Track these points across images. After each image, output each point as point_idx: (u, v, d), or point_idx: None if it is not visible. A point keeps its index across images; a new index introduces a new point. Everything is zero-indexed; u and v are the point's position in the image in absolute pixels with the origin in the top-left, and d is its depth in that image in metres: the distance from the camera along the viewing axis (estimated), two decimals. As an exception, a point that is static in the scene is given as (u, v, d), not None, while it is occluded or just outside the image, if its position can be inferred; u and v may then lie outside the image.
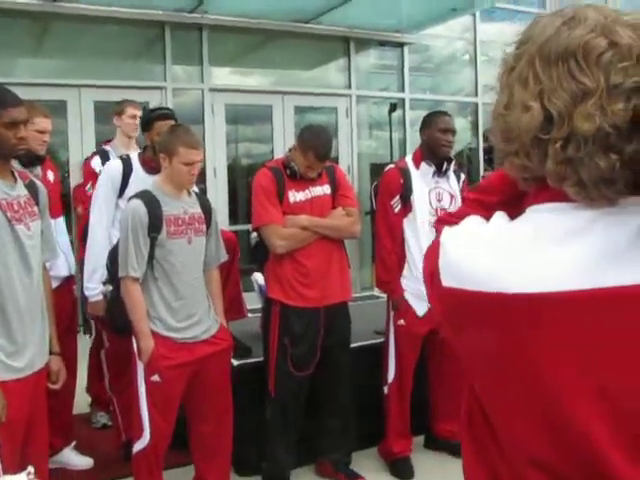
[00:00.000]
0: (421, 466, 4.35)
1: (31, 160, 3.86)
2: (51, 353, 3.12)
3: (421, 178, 4.21)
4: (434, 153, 4.21)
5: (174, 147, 3.47)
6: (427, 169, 4.21)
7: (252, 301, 4.78)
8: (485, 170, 9.92)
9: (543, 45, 1.02)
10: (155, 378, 3.43)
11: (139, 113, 5.08)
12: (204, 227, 3.66)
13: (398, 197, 4.15)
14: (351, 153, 9.15)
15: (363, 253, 8.72)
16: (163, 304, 3.49)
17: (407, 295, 4.17)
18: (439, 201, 4.24)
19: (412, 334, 4.20)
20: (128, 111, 5.17)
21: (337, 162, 7.99)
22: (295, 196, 3.96)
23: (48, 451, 3.30)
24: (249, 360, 4.31)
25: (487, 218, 1.13)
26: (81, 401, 4.80)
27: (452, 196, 4.29)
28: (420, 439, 4.61)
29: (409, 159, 4.32)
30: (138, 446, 3.51)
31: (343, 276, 4.12)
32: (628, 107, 0.94)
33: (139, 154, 4.28)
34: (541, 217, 1.05)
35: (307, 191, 4.00)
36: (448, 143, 4.20)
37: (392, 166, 4.35)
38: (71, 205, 6.25)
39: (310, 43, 8.93)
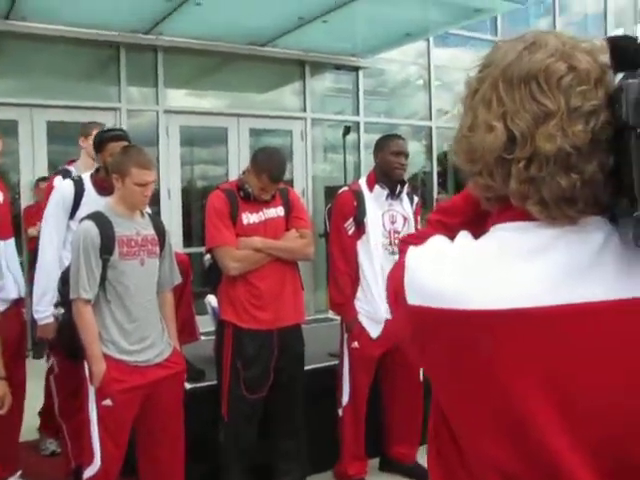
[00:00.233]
0: (376, 489, 4.34)
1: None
2: (-3, 377, 3.05)
3: (374, 201, 4.23)
4: (387, 176, 4.24)
5: (127, 168, 3.44)
6: (380, 192, 4.24)
7: (205, 324, 4.74)
8: (439, 193, 10.04)
9: (506, 68, 1.06)
10: (107, 402, 3.37)
11: None
12: (157, 249, 3.63)
13: (352, 219, 4.17)
14: (306, 176, 9.18)
15: (317, 275, 8.72)
16: (116, 326, 3.44)
17: (361, 317, 4.18)
18: (392, 223, 4.27)
19: (366, 356, 4.20)
20: (94, 134, 5.12)
21: (292, 185, 8.02)
22: (248, 218, 3.95)
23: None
24: (202, 384, 4.27)
25: (451, 238, 1.15)
26: (30, 428, 4.69)
27: (405, 218, 4.32)
28: (375, 462, 4.59)
29: (363, 182, 4.34)
30: (88, 472, 3.43)
31: (297, 298, 4.11)
32: (587, 129, 0.98)
33: (91, 175, 4.22)
34: (505, 235, 1.07)
35: (261, 213, 3.99)
36: (401, 166, 4.24)
37: (346, 188, 4.37)
38: (21, 226, 6.15)
39: (266, 66, 8.97)
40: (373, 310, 4.16)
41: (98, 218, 3.44)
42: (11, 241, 4.22)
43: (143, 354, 3.48)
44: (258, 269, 3.92)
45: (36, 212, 5.18)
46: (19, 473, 4.22)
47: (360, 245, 4.20)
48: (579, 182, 0.99)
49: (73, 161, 5.27)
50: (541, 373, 0.99)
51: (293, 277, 4.10)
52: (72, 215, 4.07)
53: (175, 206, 8.28)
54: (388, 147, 4.25)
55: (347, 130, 9.26)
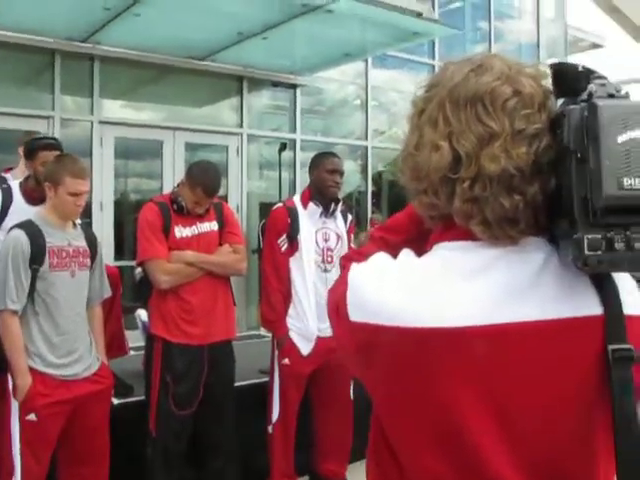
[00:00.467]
0: (304, 506, 4.33)
1: None
2: None
3: (308, 218, 4.24)
4: (322, 193, 4.26)
5: (60, 176, 3.39)
6: (314, 209, 4.25)
7: (135, 339, 4.67)
8: (373, 212, 10.12)
9: (453, 89, 1.08)
10: (31, 417, 3.29)
11: None
12: (88, 261, 3.57)
13: (285, 236, 4.17)
14: (241, 192, 9.13)
15: (249, 292, 8.67)
16: (43, 339, 3.37)
17: (292, 334, 4.18)
18: (326, 241, 4.28)
19: (296, 373, 4.20)
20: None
21: (226, 200, 7.97)
22: (181, 231, 3.92)
23: None
24: (130, 399, 4.21)
25: (393, 256, 1.16)
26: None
27: (339, 236, 4.35)
28: (305, 479, 4.58)
29: (297, 199, 4.35)
30: (7, 490, 3.34)
31: (228, 314, 4.09)
32: (530, 151, 1.01)
33: (20, 183, 4.14)
34: (448, 254, 1.09)
35: (194, 227, 3.97)
36: (335, 184, 4.26)
37: (280, 205, 4.37)
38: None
39: (203, 80, 8.92)
40: (304, 327, 4.17)
41: (28, 227, 3.37)
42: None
43: (70, 368, 3.42)
44: (190, 283, 3.89)
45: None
46: None
47: (293, 262, 4.21)
48: (522, 203, 1.01)
49: (10, 169, 5.16)
50: (480, 392, 1.01)
51: (225, 292, 4.08)
52: (-1, 224, 3.97)
53: (107, 218, 8.14)
54: (323, 165, 4.27)
55: (283, 147, 9.25)
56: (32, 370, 3.32)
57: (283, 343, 4.18)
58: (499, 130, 1.02)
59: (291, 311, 4.22)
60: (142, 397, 4.06)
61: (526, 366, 1.03)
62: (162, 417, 3.87)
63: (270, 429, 4.27)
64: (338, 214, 4.40)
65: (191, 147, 8.83)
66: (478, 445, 1.01)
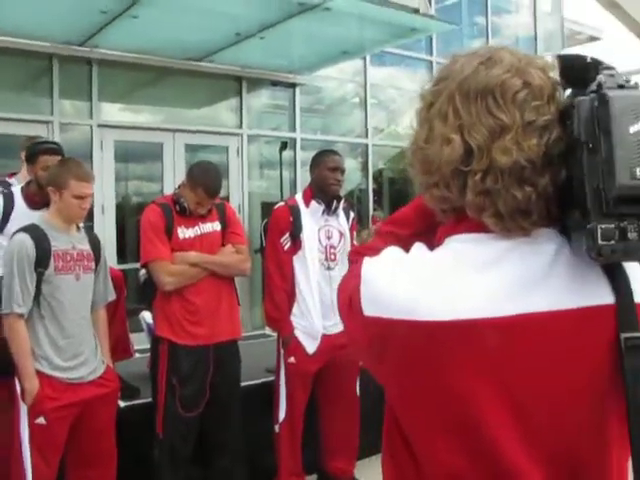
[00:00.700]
0: (313, 504, 4.33)
1: None
2: None
3: (311, 216, 4.24)
4: (323, 191, 4.26)
5: (65, 180, 3.39)
6: (317, 207, 4.25)
7: (140, 341, 4.67)
8: (374, 210, 10.12)
9: (462, 82, 1.08)
10: (40, 420, 3.29)
11: None
12: (93, 264, 3.58)
13: (288, 234, 4.17)
14: (242, 192, 9.13)
15: (253, 292, 8.68)
16: (49, 342, 3.37)
17: (297, 332, 4.17)
18: (329, 239, 4.28)
19: (302, 372, 4.20)
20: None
21: (228, 201, 7.97)
22: (184, 232, 3.92)
23: None
24: (137, 401, 4.21)
25: (403, 250, 1.16)
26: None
27: (341, 234, 4.34)
28: (312, 478, 4.58)
29: (299, 197, 4.35)
30: (19, 495, 3.34)
31: (233, 314, 4.09)
32: (541, 143, 1.02)
33: (22, 188, 4.14)
34: (460, 247, 1.09)
35: (197, 228, 3.97)
36: (337, 182, 4.26)
37: (282, 204, 4.37)
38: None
39: (202, 81, 8.91)
40: (309, 325, 4.16)
41: (33, 231, 3.38)
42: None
43: (76, 371, 3.42)
44: (194, 284, 3.90)
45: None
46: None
47: (296, 260, 4.20)
48: (533, 195, 1.02)
49: (14, 174, 5.16)
50: (494, 384, 1.01)
51: (229, 293, 4.08)
52: (1, 230, 3.97)
53: (109, 222, 8.14)
54: (324, 163, 4.27)
55: (284, 146, 9.26)
56: (39, 373, 3.32)
57: (289, 342, 4.18)
58: (510, 122, 1.03)
59: (295, 309, 4.22)
60: (148, 399, 4.06)
61: (539, 357, 1.03)
62: (169, 419, 3.87)
63: (277, 428, 4.27)
64: (340, 212, 4.39)
65: (191, 148, 8.82)
66: (493, 436, 1.02)
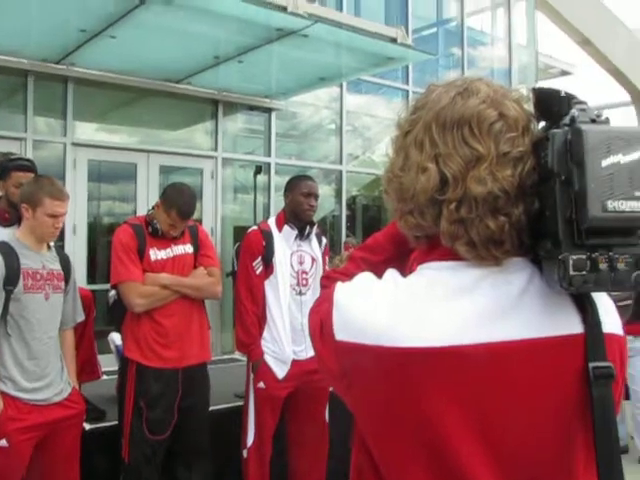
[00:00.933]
0: (279, 532, 4.27)
1: None
2: None
3: (283, 241, 4.23)
4: (297, 216, 4.25)
5: (39, 198, 3.35)
6: (289, 232, 4.24)
7: (109, 363, 4.62)
8: (347, 236, 10.14)
9: (439, 112, 1.09)
10: (2, 443, 3.22)
11: None
12: (63, 284, 3.53)
13: (260, 259, 4.15)
14: (215, 215, 9.12)
15: (224, 316, 8.64)
16: (14, 363, 3.31)
17: (267, 357, 4.14)
18: (301, 264, 4.27)
19: (272, 397, 4.16)
20: None
21: (201, 223, 7.95)
22: (156, 254, 3.90)
23: None
24: (102, 424, 4.15)
25: (375, 276, 1.16)
26: None
27: (314, 259, 4.34)
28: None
29: (272, 221, 4.33)
30: (-24, 518, 3.27)
31: (203, 337, 4.06)
32: (515, 174, 1.03)
33: (-8, 205, 4.09)
34: (433, 274, 1.10)
35: (169, 249, 3.95)
36: (310, 207, 4.25)
37: (255, 228, 4.34)
38: None
39: (179, 103, 8.93)
40: (279, 350, 4.14)
41: (3, 248, 3.34)
42: None
43: (41, 392, 3.37)
44: (164, 306, 3.86)
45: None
46: None
47: (268, 285, 4.18)
48: (507, 225, 1.03)
49: None
50: (465, 411, 1.02)
51: (200, 315, 4.06)
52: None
53: (80, 242, 8.08)
54: (299, 188, 4.27)
55: (258, 170, 9.27)
56: (3, 394, 3.26)
57: (258, 366, 4.14)
58: (485, 153, 1.04)
59: (266, 334, 4.18)
60: (114, 422, 4.00)
61: (509, 384, 1.04)
62: (135, 443, 3.82)
63: (245, 453, 4.22)
64: (313, 237, 4.38)
65: (165, 170, 8.81)
66: (464, 464, 1.02)
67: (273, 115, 9.76)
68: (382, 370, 1.05)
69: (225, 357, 7.03)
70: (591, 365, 1.02)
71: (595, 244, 0.98)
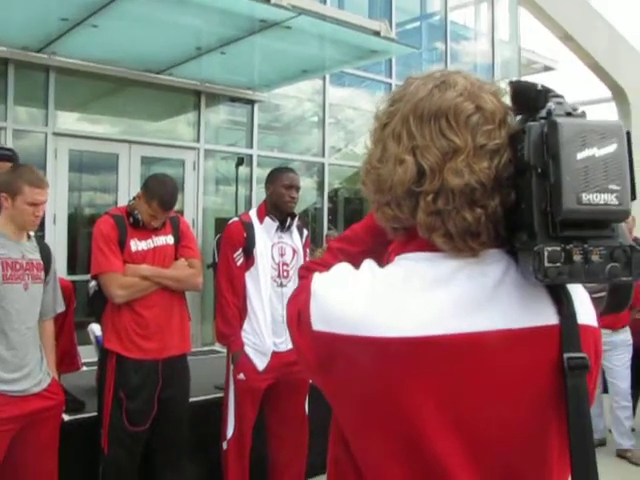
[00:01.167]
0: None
1: None
2: None
3: (264, 232, 4.23)
4: (278, 208, 4.25)
5: (18, 186, 3.33)
6: (271, 224, 4.24)
7: (88, 354, 4.60)
8: (329, 229, 10.15)
9: (417, 104, 1.10)
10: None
11: None
12: (42, 274, 3.51)
13: (241, 250, 4.14)
14: (196, 207, 9.09)
15: (205, 307, 8.62)
16: (-8, 353, 3.29)
17: (247, 349, 4.14)
18: (282, 256, 4.27)
19: (252, 389, 4.16)
20: None
21: (182, 214, 7.92)
22: (137, 245, 3.89)
23: None
24: (81, 415, 4.14)
25: (353, 266, 1.17)
26: None
27: (295, 251, 4.34)
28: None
29: (253, 213, 4.33)
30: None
31: (183, 328, 4.06)
32: (492, 166, 1.04)
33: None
34: (410, 265, 1.11)
35: (150, 240, 3.94)
36: (292, 199, 4.25)
37: (236, 219, 4.33)
38: None
39: (161, 94, 8.88)
40: (260, 342, 4.14)
41: None
42: None
43: (20, 384, 3.34)
44: (145, 297, 3.86)
45: None
46: None
47: (248, 276, 4.18)
48: (483, 216, 1.04)
49: None
50: (440, 400, 1.03)
51: (180, 307, 4.05)
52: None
53: (60, 232, 8.03)
54: (280, 180, 4.27)
55: (240, 161, 9.25)
56: (-20, 385, 3.24)
57: (238, 358, 4.14)
58: (462, 145, 1.05)
59: (246, 326, 4.18)
60: (94, 413, 3.99)
61: (483, 375, 1.05)
62: (114, 434, 3.81)
63: (225, 445, 4.22)
64: (294, 229, 4.38)
65: (147, 161, 8.76)
66: (439, 454, 1.03)
67: (256, 107, 9.74)
68: (359, 360, 1.06)
69: (205, 349, 7.03)
70: (566, 356, 1.03)
71: (570, 236, 1.00)
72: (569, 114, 1.03)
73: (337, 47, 7.57)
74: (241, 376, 4.14)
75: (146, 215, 3.88)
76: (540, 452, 1.07)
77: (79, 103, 8.65)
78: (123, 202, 7.62)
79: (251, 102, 9.67)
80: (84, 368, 4.44)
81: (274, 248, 4.25)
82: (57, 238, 7.84)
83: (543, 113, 1.03)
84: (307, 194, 10.14)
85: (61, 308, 3.73)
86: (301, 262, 4.34)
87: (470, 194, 1.04)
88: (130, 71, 8.24)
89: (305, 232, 4.53)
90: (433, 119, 1.08)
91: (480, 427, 1.05)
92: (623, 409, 5.87)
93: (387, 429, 1.05)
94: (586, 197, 0.98)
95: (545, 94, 1.07)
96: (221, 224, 8.72)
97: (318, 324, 1.09)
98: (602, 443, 5.95)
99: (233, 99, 9.55)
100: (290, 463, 4.37)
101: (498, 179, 1.05)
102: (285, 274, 4.26)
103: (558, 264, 0.99)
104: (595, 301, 1.17)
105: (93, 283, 3.99)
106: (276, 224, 4.25)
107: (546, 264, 0.99)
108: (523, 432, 1.06)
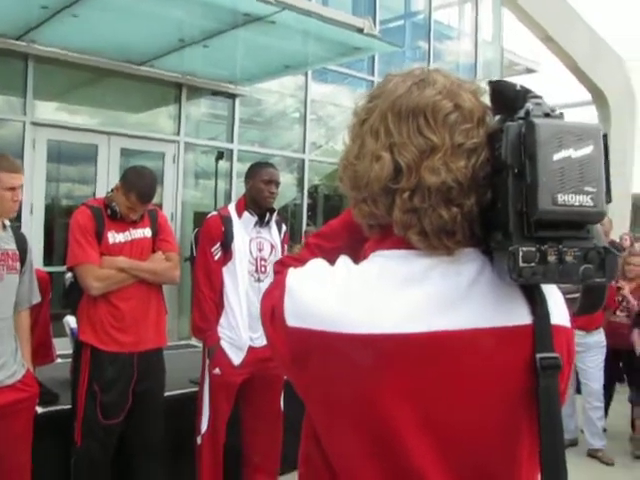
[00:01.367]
0: (232, 518, 4.28)
1: None
2: None
3: (243, 227, 4.22)
4: (257, 203, 4.24)
5: None
6: (249, 218, 4.23)
7: (63, 346, 4.56)
8: (308, 225, 10.15)
9: (395, 101, 1.10)
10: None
11: None
12: (18, 265, 3.47)
13: (219, 244, 4.13)
14: (175, 200, 9.05)
15: (182, 301, 8.59)
16: (-35, 345, 3.26)
17: (223, 343, 4.13)
18: (260, 251, 4.27)
19: (227, 383, 4.15)
20: None
21: (161, 208, 7.88)
22: (115, 237, 3.86)
23: None
24: (55, 407, 4.10)
25: (329, 262, 1.16)
26: None
27: (273, 246, 4.33)
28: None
29: (232, 207, 4.32)
30: None
31: (159, 322, 4.04)
32: (469, 165, 1.04)
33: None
34: (385, 262, 1.10)
35: (127, 233, 3.91)
36: (271, 194, 4.24)
37: (214, 213, 4.32)
38: None
39: (142, 86, 8.82)
40: (236, 336, 4.13)
41: None
42: None
43: (-7, 375, 3.31)
44: (121, 290, 3.83)
45: None
46: None
47: (226, 271, 4.17)
48: (459, 215, 1.04)
49: None
50: (412, 398, 1.03)
51: (157, 300, 4.03)
52: None
53: (37, 222, 7.96)
54: (260, 175, 4.26)
55: (220, 155, 9.21)
56: (-47, 377, 3.21)
57: (214, 352, 4.13)
58: (439, 143, 1.05)
59: (223, 320, 4.17)
60: (67, 406, 3.96)
61: (456, 373, 1.05)
62: (88, 426, 3.79)
63: (199, 440, 4.21)
64: (273, 224, 4.38)
65: (127, 153, 8.70)
66: (409, 452, 1.03)
67: (237, 101, 9.71)
68: (332, 356, 1.06)
69: (181, 343, 6.99)
70: (538, 356, 1.04)
71: (545, 237, 1.00)
72: (547, 115, 1.03)
73: (320, 43, 7.57)
74: (217, 371, 4.14)
75: (124, 207, 3.85)
76: (510, 451, 1.07)
77: (58, 93, 8.57)
78: (101, 193, 7.55)
79: (233, 96, 9.63)
80: (59, 360, 4.40)
81: (252, 243, 4.24)
82: (34, 228, 7.78)
83: (521, 113, 1.04)
84: (287, 190, 10.12)
85: (37, 299, 3.70)
86: (279, 257, 4.33)
87: (446, 192, 1.04)
88: (111, 62, 8.18)
89: (284, 227, 4.53)
90: (411, 116, 1.08)
91: (452, 425, 1.05)
92: (595, 410, 5.94)
93: (357, 425, 1.06)
94: (561, 198, 0.98)
95: (524, 94, 1.07)
96: (200, 218, 8.67)
97: (292, 320, 1.09)
98: (574, 443, 6.00)
99: (215, 92, 9.50)
100: (265, 458, 4.36)
101: (475, 178, 1.05)
102: (263, 269, 4.25)
103: (532, 264, 1.00)
104: (569, 302, 1.18)
105: (69, 275, 3.97)
106: (255, 219, 4.24)
107: (521, 264, 0.99)
108: (494, 431, 1.06)
